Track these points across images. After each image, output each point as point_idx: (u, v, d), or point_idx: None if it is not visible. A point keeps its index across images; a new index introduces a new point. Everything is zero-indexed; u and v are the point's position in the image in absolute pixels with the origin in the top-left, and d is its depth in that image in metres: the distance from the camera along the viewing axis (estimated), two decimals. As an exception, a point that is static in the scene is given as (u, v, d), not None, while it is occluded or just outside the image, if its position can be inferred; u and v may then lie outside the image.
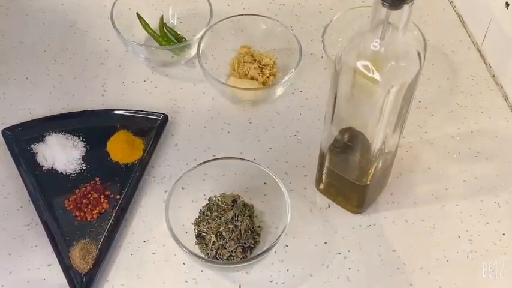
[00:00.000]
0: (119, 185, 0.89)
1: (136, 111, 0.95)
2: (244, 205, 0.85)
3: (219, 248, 0.81)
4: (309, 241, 0.85)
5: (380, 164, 0.80)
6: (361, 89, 0.71)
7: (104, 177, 0.89)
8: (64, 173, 0.90)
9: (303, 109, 0.98)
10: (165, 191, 0.86)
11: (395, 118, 0.73)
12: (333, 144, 0.80)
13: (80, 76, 1.02)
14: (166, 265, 0.82)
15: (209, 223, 0.83)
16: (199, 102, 0.99)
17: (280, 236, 0.78)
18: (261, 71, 0.98)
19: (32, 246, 0.84)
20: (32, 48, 1.06)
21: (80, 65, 1.03)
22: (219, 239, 0.81)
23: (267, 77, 0.98)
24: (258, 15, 1.03)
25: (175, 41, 1.03)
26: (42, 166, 0.90)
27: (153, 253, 0.84)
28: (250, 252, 0.82)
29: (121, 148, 0.91)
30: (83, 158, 0.91)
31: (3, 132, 0.93)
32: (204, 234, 0.83)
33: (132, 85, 1.01)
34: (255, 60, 0.99)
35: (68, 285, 0.80)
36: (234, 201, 0.85)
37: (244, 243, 0.81)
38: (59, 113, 0.96)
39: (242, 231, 0.82)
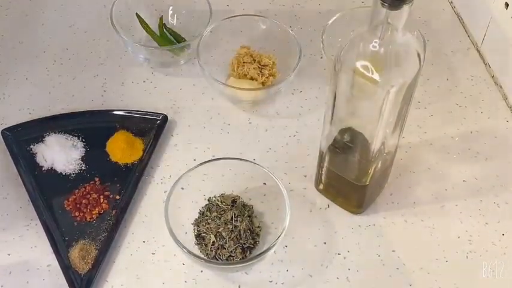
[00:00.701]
0: (118, 185, 0.89)
1: (136, 111, 0.96)
2: (244, 205, 0.85)
3: (218, 248, 0.81)
4: (308, 241, 0.85)
5: (379, 164, 0.80)
6: (360, 90, 0.71)
7: (103, 178, 0.89)
8: (63, 174, 0.90)
9: (303, 109, 0.98)
10: (165, 191, 0.86)
11: (394, 118, 0.74)
12: (333, 144, 0.80)
13: (80, 76, 1.02)
14: (166, 265, 0.82)
15: (209, 223, 0.83)
16: (199, 103, 0.99)
17: (279, 236, 0.78)
18: (261, 72, 0.98)
19: (31, 246, 0.84)
20: (32, 48, 1.06)
21: (79, 65, 1.03)
22: (218, 239, 0.81)
23: (267, 78, 0.98)
24: (258, 16, 1.03)
25: (175, 41, 1.03)
26: (42, 166, 0.90)
27: (153, 253, 0.84)
28: (250, 253, 0.82)
29: (120, 148, 0.91)
30: (83, 159, 0.91)
31: (2, 132, 0.93)
32: (204, 234, 0.83)
33: (132, 85, 1.01)
34: (254, 61, 0.99)
35: (67, 286, 0.80)
36: (234, 201, 0.85)
37: (244, 243, 0.81)
38: (59, 113, 0.96)
39: (241, 232, 0.82)
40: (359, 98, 0.72)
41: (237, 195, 0.86)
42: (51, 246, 0.83)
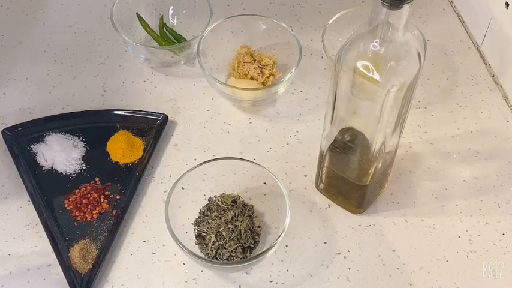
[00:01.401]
0: (118, 185, 0.89)
1: (136, 111, 0.96)
2: (244, 205, 0.85)
3: (219, 248, 0.81)
4: (308, 241, 0.85)
5: (380, 164, 0.80)
6: (361, 89, 0.71)
7: (103, 178, 0.90)
8: (64, 173, 0.90)
9: (303, 109, 0.98)
10: (165, 191, 0.86)
11: (395, 118, 0.74)
12: (333, 144, 0.80)
13: (80, 76, 1.02)
14: (166, 265, 0.82)
15: (209, 223, 0.83)
16: (199, 102, 0.99)
17: (280, 236, 0.78)
18: (261, 71, 0.98)
19: (32, 246, 0.84)
20: (32, 48, 1.06)
21: (80, 65, 1.03)
22: (219, 239, 0.81)
23: (267, 77, 0.98)
24: (258, 15, 1.03)
25: (175, 41, 1.03)
26: (42, 166, 0.90)
27: (153, 253, 0.84)
28: (250, 252, 0.82)
29: (121, 148, 0.91)
30: (83, 158, 0.91)
31: (3, 132, 0.93)
32: (204, 234, 0.83)
33: (132, 85, 1.01)
34: (254, 60, 0.99)
35: (68, 285, 0.80)
36: (234, 201, 0.85)
37: (244, 243, 0.81)
38: (59, 113, 0.96)
39: (242, 231, 0.82)
40: (359, 98, 0.72)
41: (238, 195, 0.86)
42: (52, 246, 0.83)
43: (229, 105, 0.98)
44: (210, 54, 1.00)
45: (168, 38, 1.03)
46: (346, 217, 0.87)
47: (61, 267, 0.81)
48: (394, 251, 0.84)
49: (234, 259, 0.81)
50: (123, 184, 0.89)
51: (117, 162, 0.91)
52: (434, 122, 0.97)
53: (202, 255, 0.81)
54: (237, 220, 0.83)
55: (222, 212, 0.84)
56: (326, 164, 0.84)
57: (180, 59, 1.03)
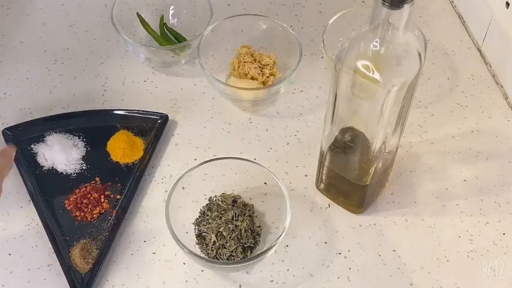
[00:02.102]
0: (119, 185, 0.89)
1: (137, 111, 0.96)
2: (245, 205, 0.85)
3: (219, 248, 0.81)
4: (309, 241, 0.85)
5: (380, 164, 0.80)
6: (361, 89, 0.71)
7: (104, 177, 0.89)
8: (64, 173, 0.90)
9: (303, 109, 0.98)
10: (166, 191, 0.86)
11: (395, 118, 0.74)
12: (334, 144, 0.80)
13: (81, 76, 1.02)
14: (167, 265, 0.82)
15: (209, 223, 0.83)
16: (200, 102, 0.99)
17: (280, 235, 0.78)
18: (261, 71, 0.98)
19: (32, 246, 0.84)
20: (32, 48, 1.06)
21: (80, 65, 1.03)
22: (219, 238, 0.81)
23: (267, 77, 0.98)
24: (258, 15, 1.03)
25: (176, 40, 1.03)
26: (43, 166, 0.90)
27: (154, 253, 0.84)
28: (251, 252, 0.82)
29: (121, 148, 0.91)
30: (83, 158, 0.91)
31: (3, 132, 0.93)
32: (204, 234, 0.83)
33: (132, 85, 1.01)
34: (255, 60, 0.99)
35: (68, 285, 0.80)
36: (234, 201, 0.85)
37: (245, 243, 0.81)
38: (59, 113, 0.96)
39: (242, 231, 0.82)
40: (360, 98, 0.72)
41: (238, 195, 0.86)
42: (52, 245, 0.83)
43: (229, 105, 0.98)
44: (211, 54, 1.00)
45: (168, 37, 1.03)
46: (346, 217, 0.87)
47: (61, 267, 0.81)
48: (394, 250, 0.84)
49: (234, 259, 0.81)
50: (123, 184, 0.89)
51: (117, 162, 0.91)
52: (434, 122, 0.97)
53: (203, 255, 0.81)
54: (238, 220, 0.83)
55: (223, 212, 0.84)
56: (326, 163, 0.84)
57: (180, 59, 1.03)
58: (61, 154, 0.91)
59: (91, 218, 0.85)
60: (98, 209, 0.86)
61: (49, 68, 1.03)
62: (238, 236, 0.81)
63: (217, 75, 0.96)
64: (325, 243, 0.85)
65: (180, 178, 0.82)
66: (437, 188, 0.90)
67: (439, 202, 0.88)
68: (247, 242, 0.82)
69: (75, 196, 0.87)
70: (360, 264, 0.83)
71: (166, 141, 0.94)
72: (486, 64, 1.04)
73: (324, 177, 0.86)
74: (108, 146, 0.92)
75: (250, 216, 0.84)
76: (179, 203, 0.82)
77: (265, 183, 0.85)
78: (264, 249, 0.79)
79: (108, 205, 0.87)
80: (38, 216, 0.85)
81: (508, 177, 0.91)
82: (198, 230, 0.84)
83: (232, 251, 0.81)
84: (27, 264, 0.82)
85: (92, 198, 0.87)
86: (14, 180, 0.89)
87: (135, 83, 1.01)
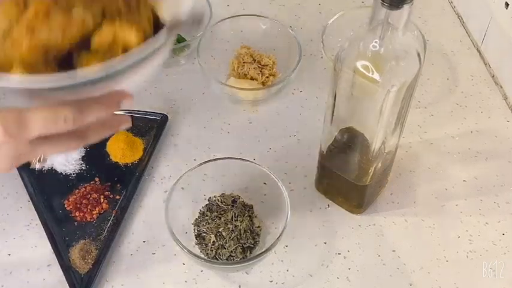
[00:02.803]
0: (118, 185, 0.89)
1: (136, 111, 0.95)
2: (244, 205, 0.85)
3: (218, 248, 0.81)
4: (308, 241, 0.85)
5: (380, 164, 0.80)
6: (360, 89, 0.71)
7: (103, 178, 0.89)
8: (64, 173, 0.90)
9: (303, 109, 0.98)
10: (165, 191, 0.86)
11: (395, 118, 0.74)
12: (333, 144, 0.80)
13: (80, 76, 1.02)
14: (166, 265, 0.82)
15: (209, 223, 0.83)
16: (199, 103, 0.99)
17: (280, 236, 0.78)
18: (261, 71, 0.98)
19: (32, 246, 0.84)
20: (31, 48, 1.06)
21: (79, 65, 1.03)
22: (218, 239, 0.81)
23: (267, 77, 0.98)
24: (258, 16, 1.03)
25: (175, 41, 1.03)
26: (42, 166, 0.90)
27: (153, 253, 0.84)
28: (250, 252, 0.82)
29: (121, 148, 0.91)
30: (83, 158, 0.91)
31: (3, 132, 0.93)
32: (204, 234, 0.83)
33: (132, 85, 1.01)
34: (254, 61, 0.99)
35: (67, 286, 0.80)
36: (234, 201, 0.85)
37: (244, 243, 0.81)
38: (59, 113, 0.96)
39: (242, 231, 0.82)
40: (359, 98, 0.72)
41: (237, 195, 0.86)
42: (52, 246, 0.83)
43: (229, 106, 0.98)
44: (210, 54, 1.00)
45: (168, 38, 1.03)
46: (346, 217, 0.87)
47: (61, 267, 0.81)
48: (394, 251, 0.84)
49: (233, 259, 0.81)
50: (123, 184, 0.89)
51: (117, 162, 0.91)
52: (434, 122, 0.97)
53: (202, 255, 0.81)
54: (237, 220, 0.83)
55: (222, 212, 0.84)
56: (326, 164, 0.84)
57: (180, 59, 1.03)
58: (60, 154, 0.91)
59: (90, 219, 0.85)
60: (97, 209, 0.86)
61: (48, 69, 1.03)
62: (238, 236, 0.81)
63: (217, 76, 0.96)
64: (325, 243, 0.85)
65: (179, 178, 0.82)
66: (437, 188, 0.90)
67: (438, 202, 0.88)
68: (247, 242, 0.82)
69: (75, 196, 0.87)
70: (360, 265, 0.83)
71: (166, 141, 0.94)
72: (485, 64, 1.04)
73: (323, 177, 0.86)
74: (107, 146, 0.92)
75: (249, 216, 0.84)
76: (179, 204, 0.82)
77: (264, 183, 0.85)
78: (264, 249, 0.79)
79: (107, 205, 0.87)
80: (37, 216, 0.85)
81: (507, 178, 0.91)
82: (197, 230, 0.84)
83: (231, 251, 0.81)
84: (27, 264, 0.82)
85: (91, 198, 0.87)
86: (13, 181, 0.89)
87: (135, 83, 1.01)
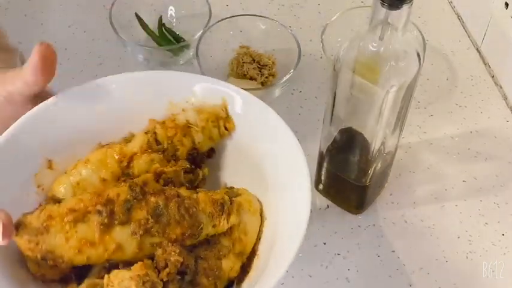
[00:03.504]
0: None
1: (135, 111, 0.95)
2: (243, 205, 0.85)
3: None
4: (308, 241, 0.84)
5: (379, 165, 0.80)
6: (360, 89, 0.71)
7: (102, 178, 0.89)
8: (63, 174, 0.90)
9: (302, 109, 0.98)
10: (164, 192, 0.85)
11: (394, 118, 0.73)
12: (332, 144, 0.80)
13: (79, 76, 1.02)
14: (165, 266, 0.82)
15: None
16: (198, 103, 0.98)
17: (279, 236, 0.78)
18: (260, 71, 0.98)
19: (30, 246, 0.84)
20: (30, 48, 1.05)
21: (78, 65, 1.03)
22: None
23: (266, 77, 0.98)
24: (257, 16, 1.03)
25: (174, 41, 1.03)
26: (41, 167, 0.90)
27: (152, 254, 0.83)
28: (249, 253, 0.82)
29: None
30: (82, 159, 0.91)
31: (1, 132, 0.92)
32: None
33: (131, 85, 1.01)
34: (254, 61, 0.99)
35: (66, 286, 0.80)
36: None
37: (243, 243, 0.81)
38: (58, 113, 0.96)
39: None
40: (359, 98, 0.72)
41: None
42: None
43: (228, 106, 0.98)
44: (209, 54, 1.00)
45: (167, 38, 1.03)
46: (345, 217, 0.87)
47: (60, 267, 0.81)
48: (393, 251, 0.84)
49: (233, 260, 0.80)
50: (122, 184, 0.88)
51: (116, 162, 0.91)
52: (433, 122, 0.97)
53: (202, 256, 0.81)
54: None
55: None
56: (325, 164, 0.84)
57: (179, 59, 1.02)
58: (59, 155, 0.90)
59: (89, 219, 0.85)
60: (96, 209, 0.85)
61: (47, 69, 1.03)
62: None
63: (216, 76, 0.96)
64: (324, 243, 0.84)
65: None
66: (436, 188, 0.90)
67: (438, 203, 0.88)
68: (246, 242, 0.81)
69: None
70: (359, 265, 0.83)
71: (165, 141, 0.94)
72: (485, 65, 1.04)
73: (322, 178, 0.86)
74: (106, 146, 0.92)
75: (249, 216, 0.84)
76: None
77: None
78: (263, 250, 0.79)
79: (106, 206, 0.86)
80: (36, 217, 0.85)
81: (507, 178, 0.91)
82: (196, 231, 0.83)
83: (231, 252, 0.80)
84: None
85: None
86: (12, 181, 0.89)
87: (134, 83, 1.01)
